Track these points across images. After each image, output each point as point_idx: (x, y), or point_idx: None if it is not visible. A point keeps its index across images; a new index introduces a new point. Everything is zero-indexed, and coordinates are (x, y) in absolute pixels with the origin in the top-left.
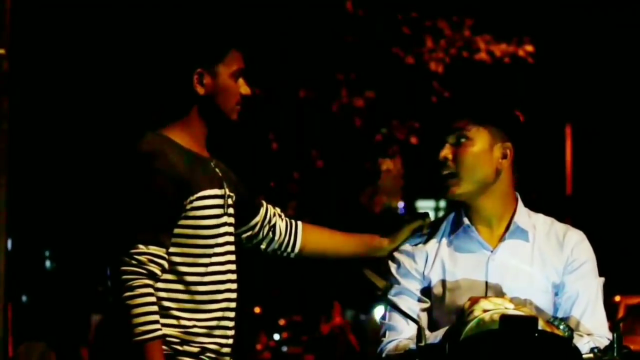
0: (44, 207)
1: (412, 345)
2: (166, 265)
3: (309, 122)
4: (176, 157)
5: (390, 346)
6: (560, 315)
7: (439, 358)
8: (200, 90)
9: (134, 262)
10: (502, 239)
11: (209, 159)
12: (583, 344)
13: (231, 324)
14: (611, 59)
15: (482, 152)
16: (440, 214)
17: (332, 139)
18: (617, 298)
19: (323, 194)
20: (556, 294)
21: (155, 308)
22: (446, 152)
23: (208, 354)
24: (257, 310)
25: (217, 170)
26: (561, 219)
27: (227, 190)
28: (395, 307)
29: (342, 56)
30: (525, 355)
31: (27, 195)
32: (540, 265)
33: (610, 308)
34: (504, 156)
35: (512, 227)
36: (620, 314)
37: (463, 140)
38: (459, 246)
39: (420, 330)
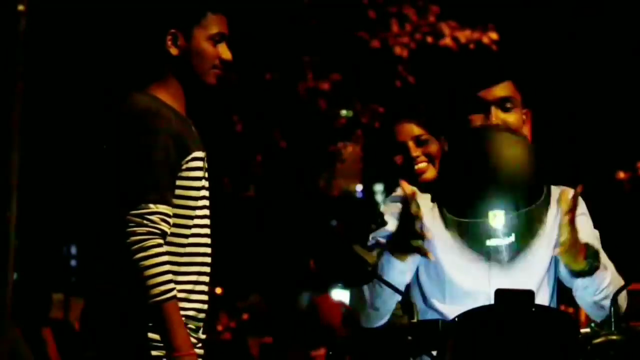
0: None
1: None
2: (172, 224)
3: (275, 105)
4: (171, 115)
5: None
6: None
7: (432, 335)
8: (174, 51)
9: (146, 222)
10: None
11: (190, 120)
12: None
13: (206, 289)
14: (575, 49)
15: (521, 117)
16: None
17: (297, 122)
18: None
19: (285, 176)
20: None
21: (169, 267)
22: (497, 119)
23: (187, 321)
24: (218, 291)
25: (196, 132)
26: None
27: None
28: (385, 282)
29: (308, 39)
30: (522, 330)
31: None
32: (546, 241)
33: None
34: (524, 122)
35: None
36: None
37: (509, 105)
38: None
39: (412, 307)
